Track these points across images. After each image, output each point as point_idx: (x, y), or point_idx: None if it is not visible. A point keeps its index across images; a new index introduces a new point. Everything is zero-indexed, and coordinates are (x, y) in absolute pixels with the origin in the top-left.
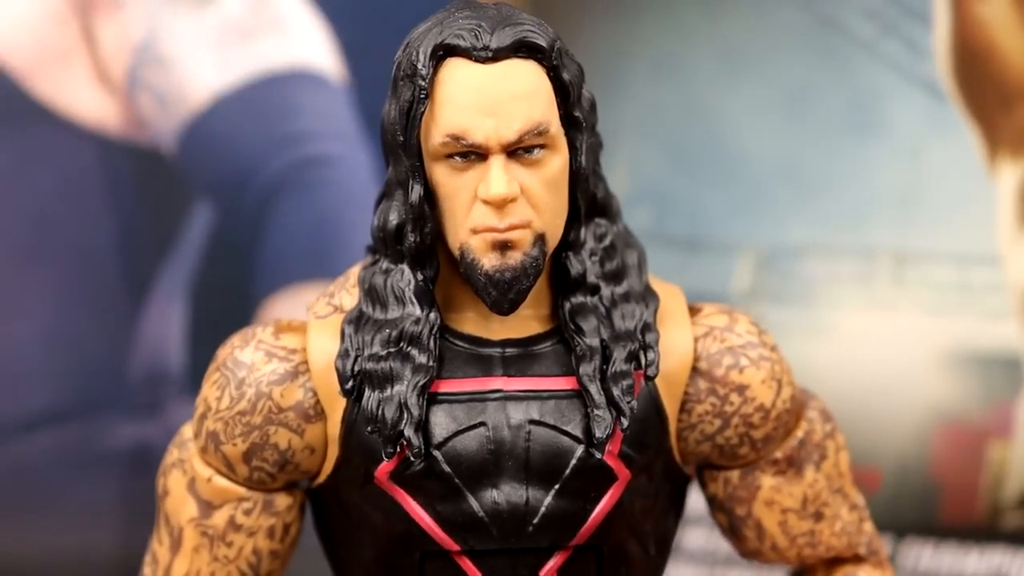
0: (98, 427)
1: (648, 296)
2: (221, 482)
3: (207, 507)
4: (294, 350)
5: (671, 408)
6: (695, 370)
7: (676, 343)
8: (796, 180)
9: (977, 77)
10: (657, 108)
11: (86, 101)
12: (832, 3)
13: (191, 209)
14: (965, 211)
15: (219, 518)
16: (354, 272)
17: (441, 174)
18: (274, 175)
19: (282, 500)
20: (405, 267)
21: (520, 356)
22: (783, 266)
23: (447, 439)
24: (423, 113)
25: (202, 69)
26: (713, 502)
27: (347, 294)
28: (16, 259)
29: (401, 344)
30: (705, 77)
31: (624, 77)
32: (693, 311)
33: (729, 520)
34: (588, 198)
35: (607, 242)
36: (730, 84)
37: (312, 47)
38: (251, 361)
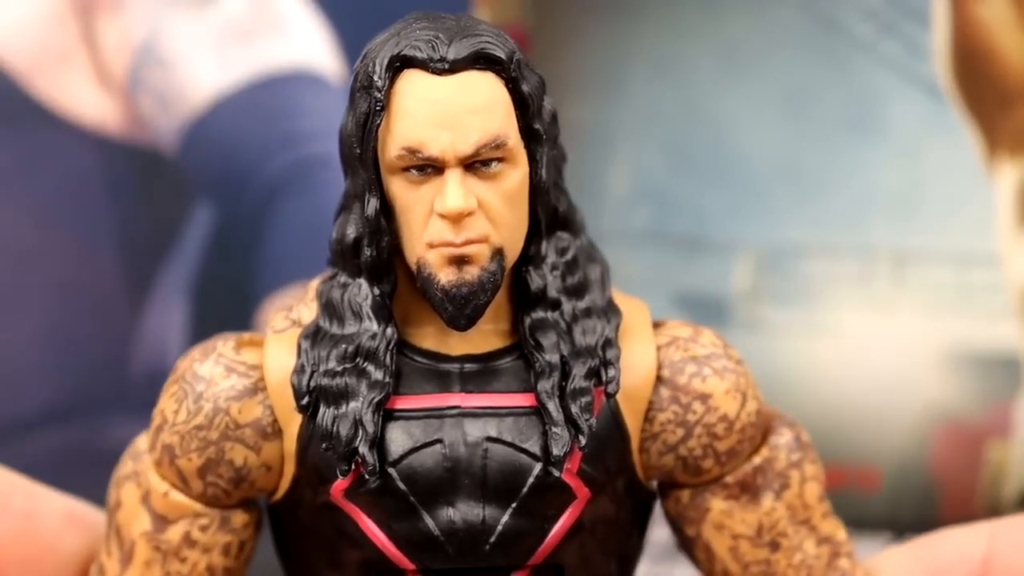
0: (98, 427)
1: (610, 311)
2: (177, 497)
3: (161, 521)
4: (254, 366)
5: (633, 424)
6: (658, 379)
7: (638, 358)
8: (796, 180)
9: (976, 77)
10: (657, 108)
11: (87, 102)
12: (832, 3)
13: (191, 209)
14: (964, 211)
15: (174, 533)
16: (313, 285)
17: (398, 187)
18: (274, 175)
19: (239, 517)
20: (363, 281)
21: (479, 372)
22: (783, 266)
23: (403, 456)
24: (379, 125)
25: (203, 70)
26: (668, 518)
27: (305, 308)
28: (17, 259)
29: (357, 360)
30: (705, 77)
31: (624, 77)
32: (656, 325)
33: (681, 538)
34: (549, 211)
35: (569, 256)
36: (730, 84)
37: (312, 47)
38: (210, 375)
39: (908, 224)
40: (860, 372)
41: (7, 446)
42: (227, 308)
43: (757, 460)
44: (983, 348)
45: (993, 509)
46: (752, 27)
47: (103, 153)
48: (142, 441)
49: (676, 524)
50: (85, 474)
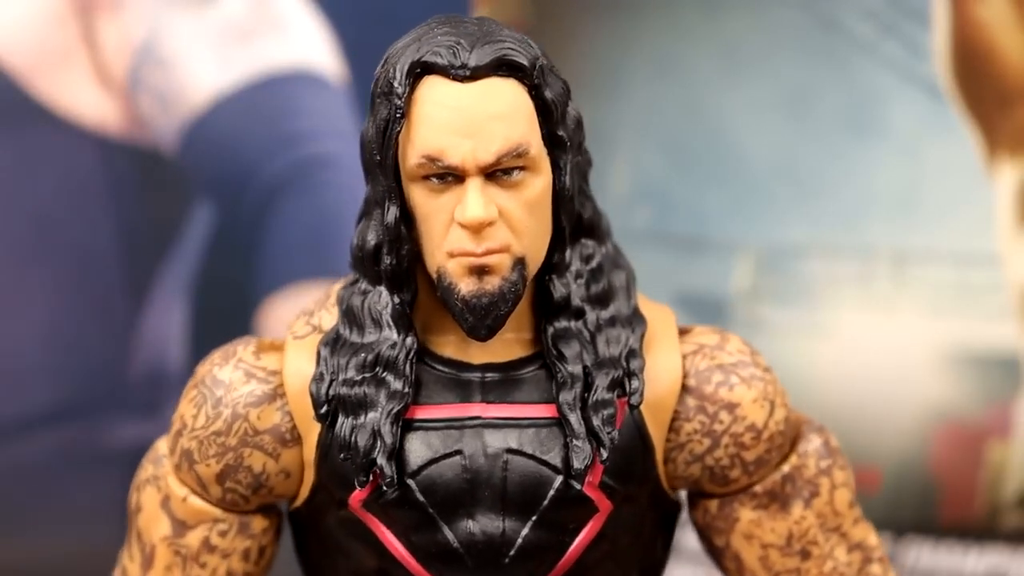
0: (98, 427)
1: (635, 320)
2: (196, 502)
3: (181, 526)
4: (274, 371)
5: (657, 435)
6: (684, 388)
7: (663, 367)
8: (796, 180)
9: (976, 77)
10: (657, 108)
11: (87, 102)
12: (832, 3)
13: (191, 209)
14: (964, 211)
15: (193, 538)
16: (335, 290)
17: (418, 195)
18: (274, 175)
19: (258, 523)
20: (383, 289)
21: (501, 382)
22: (783, 266)
23: (422, 467)
24: (399, 132)
25: (203, 69)
26: (696, 528)
27: (327, 313)
28: (17, 259)
29: (376, 369)
30: (705, 77)
31: (624, 77)
32: (683, 332)
33: (710, 548)
34: (573, 219)
35: (594, 264)
36: (730, 84)
37: (312, 47)
38: (229, 380)
39: (908, 224)
40: (860, 372)
41: (7, 446)
42: (227, 308)
43: (786, 468)
44: (983, 348)
45: (993, 509)
46: (752, 27)
47: (103, 153)
48: (162, 445)
49: (704, 534)
50: (85, 474)
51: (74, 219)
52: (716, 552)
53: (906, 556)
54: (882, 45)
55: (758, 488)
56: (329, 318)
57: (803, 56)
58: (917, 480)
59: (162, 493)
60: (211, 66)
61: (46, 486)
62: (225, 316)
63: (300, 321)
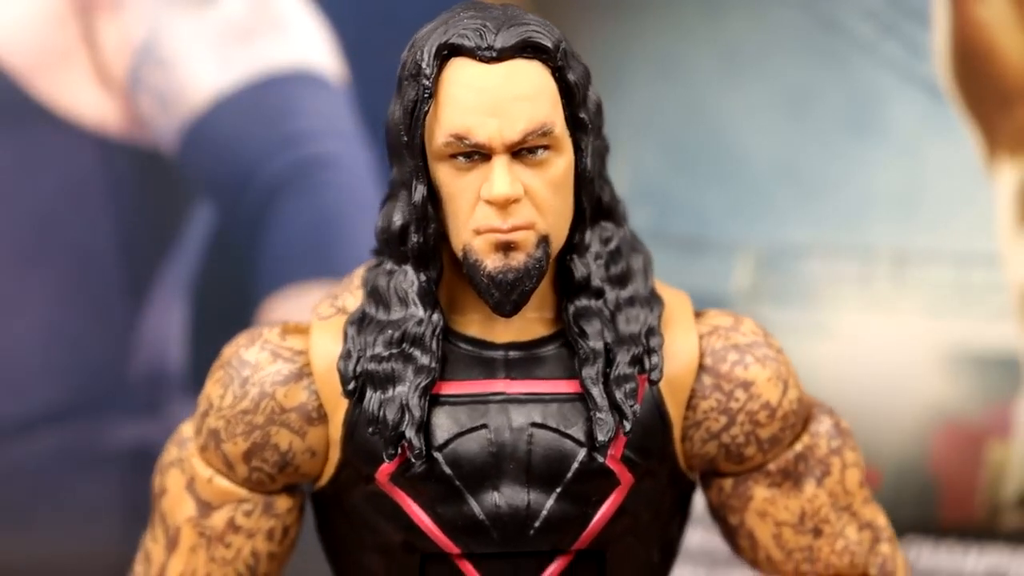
0: (98, 427)
1: (653, 300)
2: (221, 483)
3: (206, 507)
4: (300, 352)
5: (675, 413)
6: (700, 367)
7: (681, 347)
8: (796, 180)
9: (976, 77)
10: (657, 108)
11: (87, 102)
12: (832, 3)
13: (191, 209)
14: (964, 211)
15: (218, 519)
16: (358, 274)
17: (445, 174)
18: (274, 175)
19: (282, 502)
20: (408, 268)
21: (523, 359)
22: (783, 266)
23: (448, 441)
24: (427, 113)
25: (203, 70)
26: (710, 507)
27: (351, 296)
28: (17, 259)
29: (403, 345)
30: (705, 77)
31: (624, 77)
32: (698, 315)
33: (724, 527)
34: (593, 201)
35: (613, 246)
36: (730, 84)
37: (312, 47)
38: (256, 360)
39: (908, 224)
40: (860, 372)
41: (7, 446)
42: (227, 308)
43: (798, 447)
44: (983, 348)
45: (993, 509)
46: (753, 27)
47: (103, 153)
48: (186, 428)
49: (719, 513)
50: (84, 474)
51: (74, 219)
52: (730, 531)
53: (906, 556)
54: (882, 45)
55: (771, 467)
56: (353, 300)
57: (803, 56)
58: (917, 480)
59: (187, 475)
60: (211, 66)
61: (46, 486)
62: (225, 316)
63: (325, 303)
